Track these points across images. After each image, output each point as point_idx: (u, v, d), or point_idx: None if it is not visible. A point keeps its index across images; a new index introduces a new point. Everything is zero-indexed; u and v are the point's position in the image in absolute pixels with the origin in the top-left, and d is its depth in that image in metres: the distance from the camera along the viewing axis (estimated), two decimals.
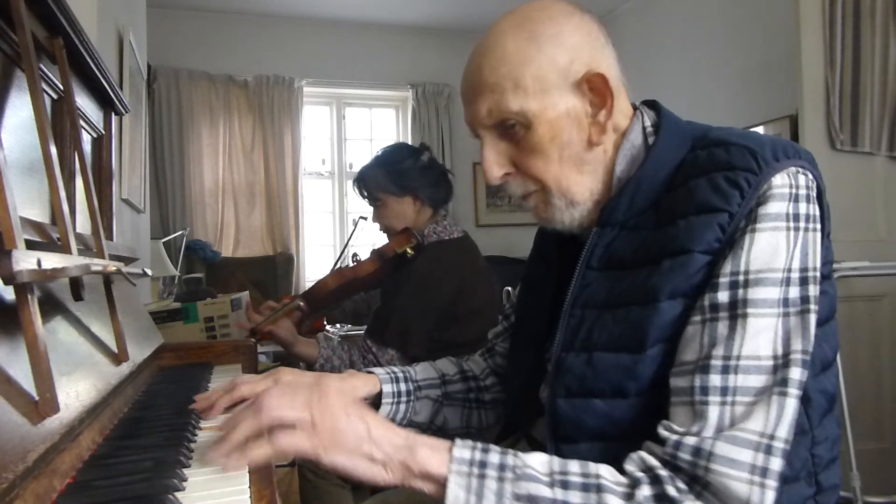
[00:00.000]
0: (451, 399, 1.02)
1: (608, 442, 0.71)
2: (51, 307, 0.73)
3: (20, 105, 0.76)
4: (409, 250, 1.66)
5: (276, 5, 4.47)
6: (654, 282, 0.70)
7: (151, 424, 0.77)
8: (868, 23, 2.37)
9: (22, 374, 0.57)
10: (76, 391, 0.66)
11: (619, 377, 0.70)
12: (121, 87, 1.99)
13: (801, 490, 0.72)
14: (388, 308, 1.67)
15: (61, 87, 0.88)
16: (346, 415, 0.66)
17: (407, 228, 1.71)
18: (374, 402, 0.97)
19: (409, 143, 4.90)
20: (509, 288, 4.15)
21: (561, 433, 0.74)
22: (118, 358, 0.87)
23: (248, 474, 0.63)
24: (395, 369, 1.00)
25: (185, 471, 0.62)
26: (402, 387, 0.98)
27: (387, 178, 1.73)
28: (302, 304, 1.66)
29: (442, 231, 1.74)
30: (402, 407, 0.97)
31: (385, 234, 1.82)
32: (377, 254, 1.71)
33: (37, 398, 0.56)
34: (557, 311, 0.82)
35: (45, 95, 0.85)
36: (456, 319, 1.65)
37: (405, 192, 1.73)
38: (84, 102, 1.05)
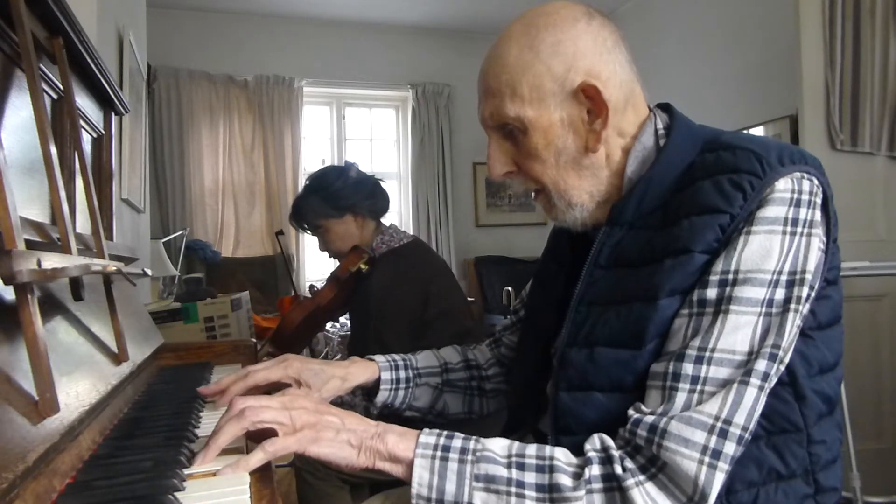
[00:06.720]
0: (453, 386, 1.07)
1: (606, 434, 0.71)
2: (51, 307, 0.72)
3: (20, 105, 0.76)
4: (362, 266, 1.65)
5: (276, 5, 4.47)
6: (656, 280, 0.71)
7: (151, 424, 0.77)
8: (868, 23, 2.36)
9: (22, 374, 0.57)
10: (76, 391, 0.66)
11: (619, 371, 0.72)
12: (121, 87, 1.99)
13: (799, 488, 0.72)
14: (361, 327, 1.64)
15: (61, 87, 0.88)
16: (318, 413, 0.72)
17: (356, 246, 1.70)
18: (373, 388, 1.02)
19: (409, 143, 4.95)
20: (509, 288, 4.16)
21: (562, 425, 0.76)
22: (118, 358, 0.87)
23: (248, 475, 0.63)
24: (396, 357, 1.05)
25: (185, 471, 0.62)
26: (402, 374, 1.03)
27: (322, 203, 1.72)
28: (271, 349, 1.65)
29: (390, 240, 1.72)
30: (401, 393, 1.02)
31: (336, 260, 1.78)
32: (333, 278, 1.70)
33: (37, 398, 0.56)
34: (566, 308, 0.83)
35: (45, 95, 0.85)
36: (429, 325, 1.59)
37: (344, 212, 1.72)
38: (84, 102, 1.05)
